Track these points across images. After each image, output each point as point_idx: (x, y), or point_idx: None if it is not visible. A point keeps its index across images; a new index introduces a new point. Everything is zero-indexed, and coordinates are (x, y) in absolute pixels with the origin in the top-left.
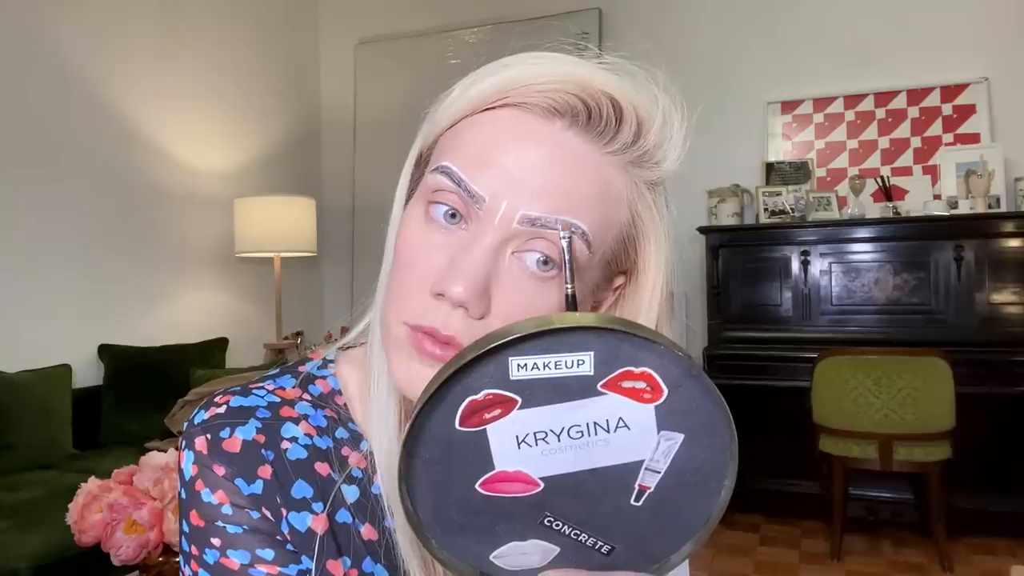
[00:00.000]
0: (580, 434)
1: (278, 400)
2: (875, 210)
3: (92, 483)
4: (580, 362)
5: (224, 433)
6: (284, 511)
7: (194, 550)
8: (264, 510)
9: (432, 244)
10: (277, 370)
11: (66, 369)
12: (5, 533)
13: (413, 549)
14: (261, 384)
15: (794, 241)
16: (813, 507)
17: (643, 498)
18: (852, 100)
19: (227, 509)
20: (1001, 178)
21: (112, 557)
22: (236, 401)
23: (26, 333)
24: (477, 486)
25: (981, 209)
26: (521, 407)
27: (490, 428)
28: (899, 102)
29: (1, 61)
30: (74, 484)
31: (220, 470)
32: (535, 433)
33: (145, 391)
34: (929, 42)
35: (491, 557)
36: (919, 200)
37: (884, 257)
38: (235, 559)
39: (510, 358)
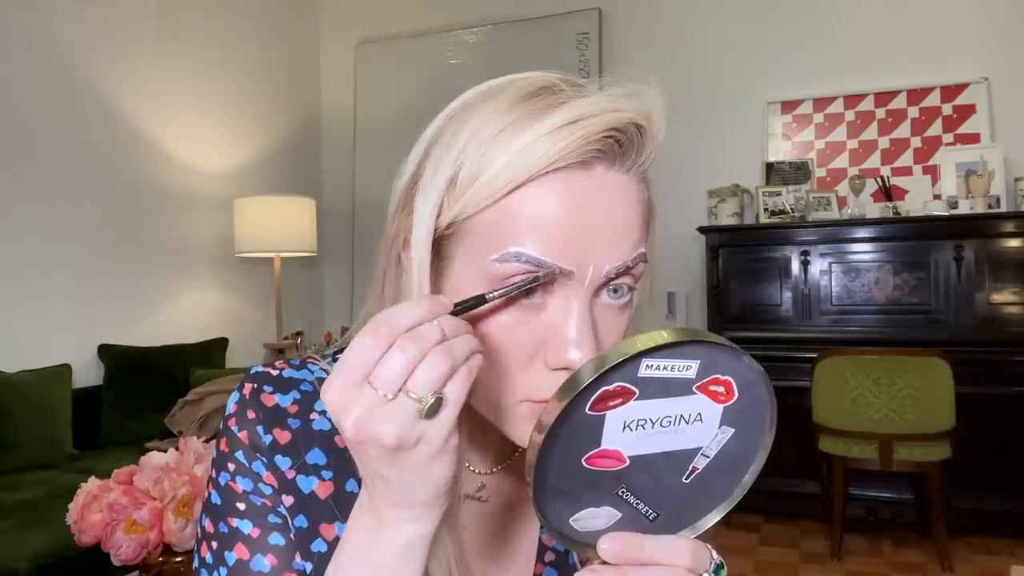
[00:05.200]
0: (668, 423)
1: (325, 376)
2: (875, 210)
3: (92, 483)
4: (688, 367)
5: (268, 388)
6: (293, 472)
7: (213, 473)
8: (263, 458)
9: (522, 323)
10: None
11: (66, 369)
12: (5, 533)
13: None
14: (318, 360)
15: (794, 241)
16: (813, 507)
17: (692, 477)
18: (852, 100)
19: (245, 448)
20: (1001, 178)
21: (112, 557)
22: (288, 372)
23: (26, 333)
24: (583, 460)
25: (981, 209)
26: (637, 399)
27: (610, 414)
28: (899, 102)
29: (1, 62)
30: (74, 484)
31: (251, 414)
32: (638, 420)
33: (145, 391)
34: (929, 42)
35: (570, 520)
36: (919, 200)
37: (884, 257)
38: (240, 485)
39: (644, 360)
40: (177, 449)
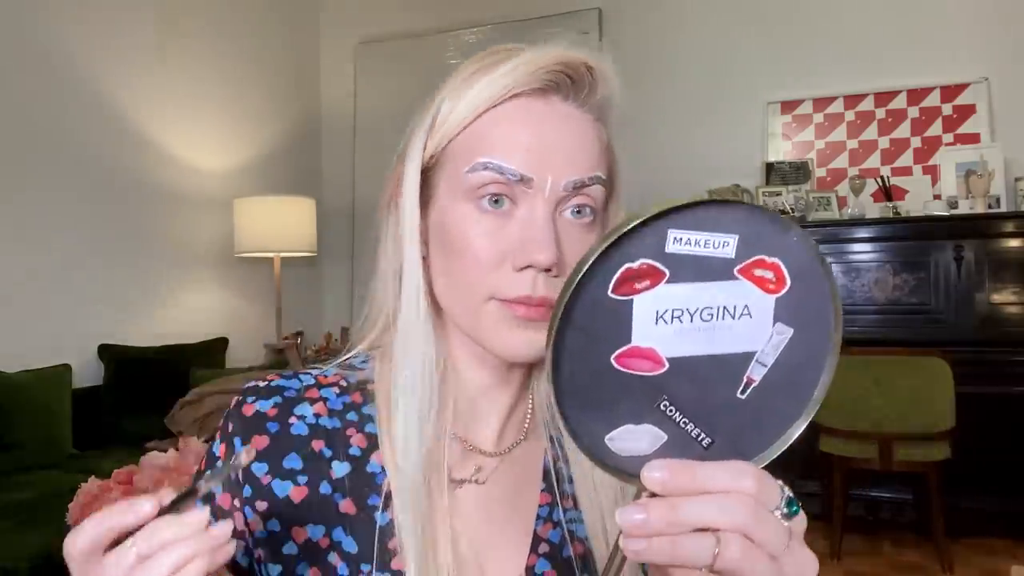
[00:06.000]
0: (711, 316)
1: (312, 383)
2: (875, 210)
3: (92, 483)
4: (726, 243)
5: (249, 400)
6: (269, 478)
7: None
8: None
9: (491, 230)
10: (334, 361)
11: (66, 369)
12: (5, 533)
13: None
14: (310, 371)
15: None
16: (813, 507)
17: (748, 391)
18: (852, 100)
19: (220, 463)
20: (1001, 178)
21: None
22: (277, 382)
23: (26, 333)
24: (612, 359)
25: (981, 209)
26: (668, 281)
27: (637, 298)
28: (899, 102)
29: (2, 62)
30: (74, 484)
31: (231, 427)
32: (673, 310)
33: (145, 391)
34: (929, 42)
35: (606, 439)
36: (919, 200)
37: (884, 257)
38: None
39: (669, 230)
40: (177, 449)
